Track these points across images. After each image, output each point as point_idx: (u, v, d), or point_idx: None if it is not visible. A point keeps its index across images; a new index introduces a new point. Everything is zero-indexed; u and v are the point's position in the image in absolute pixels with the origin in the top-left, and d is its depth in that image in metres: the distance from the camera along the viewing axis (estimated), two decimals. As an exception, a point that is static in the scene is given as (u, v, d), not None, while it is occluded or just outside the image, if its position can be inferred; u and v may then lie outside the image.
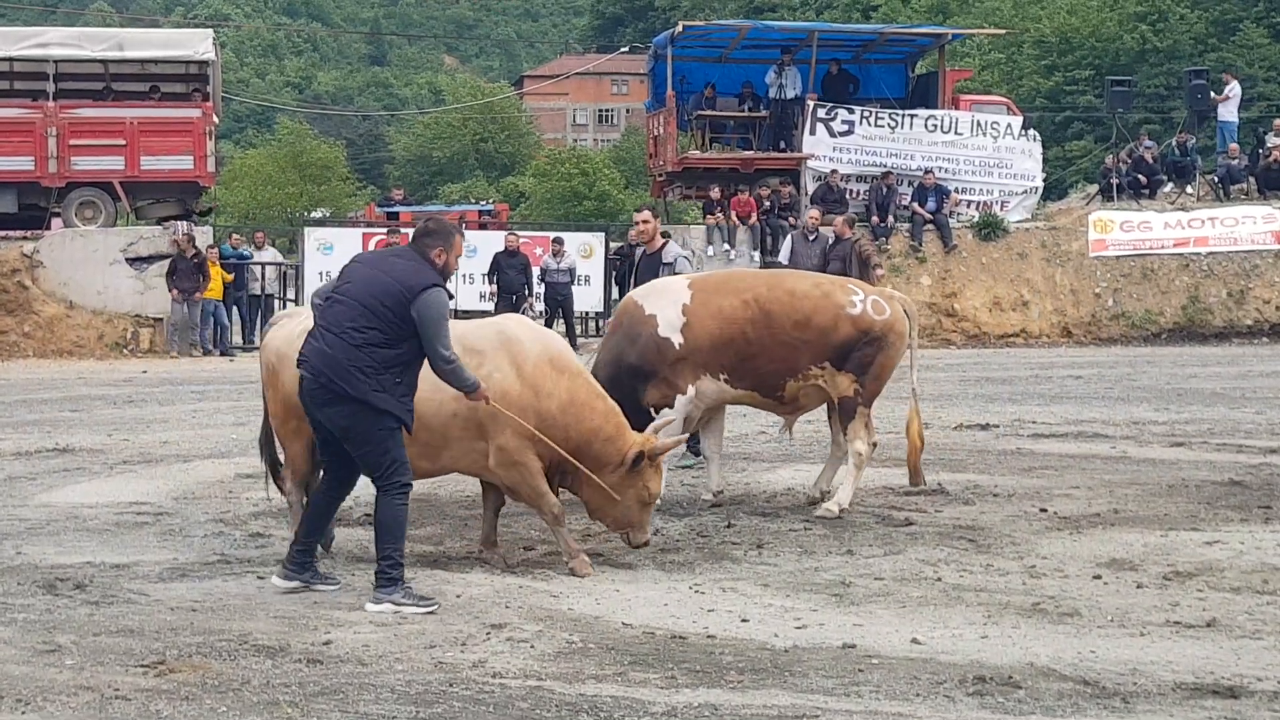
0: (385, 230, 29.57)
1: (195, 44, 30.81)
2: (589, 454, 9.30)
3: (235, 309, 30.27)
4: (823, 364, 11.44)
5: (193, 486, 12.65)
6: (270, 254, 31.56)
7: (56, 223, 29.52)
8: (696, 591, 8.67)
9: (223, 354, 28.43)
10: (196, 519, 11.05)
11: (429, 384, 8.64)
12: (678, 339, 11.36)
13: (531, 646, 7.40)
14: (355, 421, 8.33)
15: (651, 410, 11.33)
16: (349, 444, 8.44)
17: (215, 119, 30.84)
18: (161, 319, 28.78)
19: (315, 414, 8.51)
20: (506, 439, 9.14)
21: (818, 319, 11.48)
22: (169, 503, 11.82)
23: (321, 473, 9.13)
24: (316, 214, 67.20)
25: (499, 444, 9.16)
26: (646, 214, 13.99)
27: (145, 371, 25.12)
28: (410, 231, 28.22)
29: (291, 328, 9.48)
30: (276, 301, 30.52)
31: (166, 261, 28.53)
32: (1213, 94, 35.08)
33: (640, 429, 10.09)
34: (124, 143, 29.15)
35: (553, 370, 9.33)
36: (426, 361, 8.46)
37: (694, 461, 13.24)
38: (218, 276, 28.75)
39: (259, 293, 30.67)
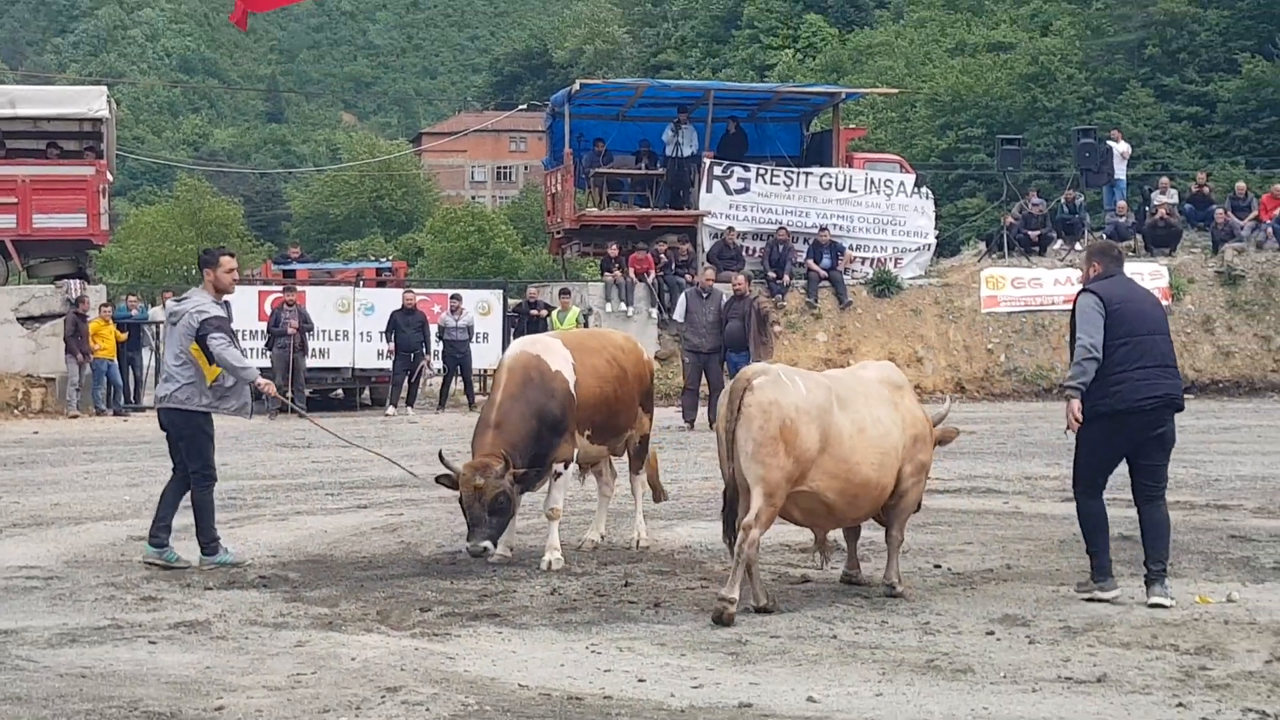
0: (281, 288, 29.38)
1: (89, 101, 30.57)
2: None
3: (130, 368, 30.00)
4: (639, 409, 12.43)
5: (84, 549, 12.47)
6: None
7: (-53, 282, 29.15)
8: (593, 651, 8.66)
9: (116, 413, 28.13)
10: (87, 583, 10.89)
11: (887, 425, 9.99)
12: (577, 396, 11.51)
13: (427, 709, 7.35)
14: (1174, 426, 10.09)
15: (559, 466, 11.47)
16: (1166, 452, 10.09)
17: (109, 177, 30.58)
18: (54, 379, 28.45)
19: (1153, 432, 9.93)
20: (927, 456, 10.49)
21: (646, 370, 12.63)
22: (59, 566, 11.65)
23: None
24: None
25: (922, 460, 10.40)
26: None
27: (37, 432, 24.79)
28: (307, 289, 27.85)
29: (796, 390, 9.67)
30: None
31: (61, 321, 28.23)
32: (1109, 144, 35.63)
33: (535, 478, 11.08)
34: (16, 200, 28.83)
35: (907, 399, 10.46)
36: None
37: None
38: (111, 336, 28.46)
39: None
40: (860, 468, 9.75)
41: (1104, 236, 34.49)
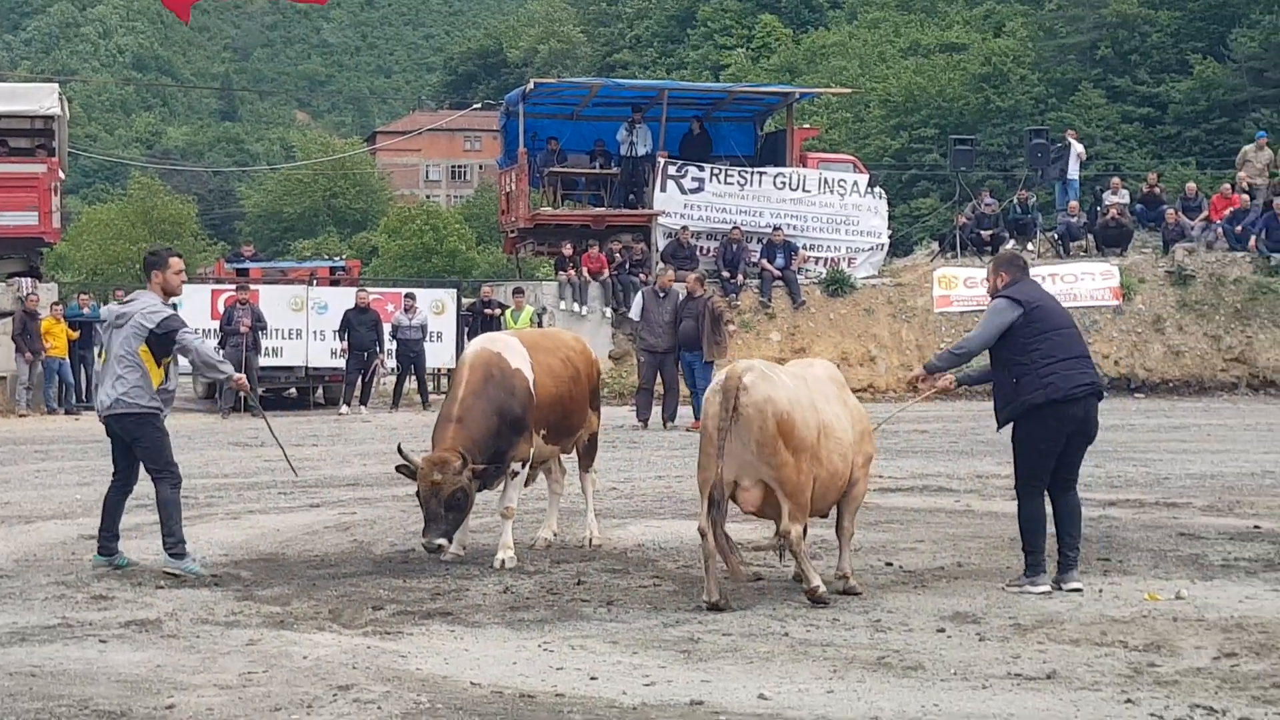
0: (234, 287, 29.27)
1: (41, 98, 30.40)
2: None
3: (82, 367, 29.82)
4: (589, 409, 12.53)
5: (34, 548, 12.41)
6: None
7: (-104, 280, 28.96)
8: (545, 649, 8.66)
9: (68, 412, 27.98)
10: (38, 581, 10.83)
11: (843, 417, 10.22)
12: (535, 395, 11.53)
13: (378, 708, 7.34)
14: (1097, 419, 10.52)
15: (515, 465, 11.48)
16: (1088, 444, 10.54)
17: (61, 174, 30.40)
18: (5, 377, 28.28)
19: (1085, 426, 10.37)
20: (871, 448, 10.61)
21: (595, 370, 12.70)
22: (9, 564, 11.58)
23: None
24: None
25: (868, 452, 10.53)
26: None
27: (-13, 431, 24.67)
28: (261, 288, 27.68)
29: (783, 383, 9.88)
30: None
31: (8, 320, 28.06)
32: (1068, 140, 35.88)
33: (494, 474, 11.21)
34: (-34, 198, 28.67)
35: (850, 396, 10.70)
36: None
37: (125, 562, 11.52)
38: (62, 334, 28.30)
39: None
40: (832, 457, 9.98)
41: (1056, 236, 34.71)
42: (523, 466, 11.70)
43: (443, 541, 10.89)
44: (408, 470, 11.08)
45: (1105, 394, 10.79)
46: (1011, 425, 10.47)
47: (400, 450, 11.22)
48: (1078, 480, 10.68)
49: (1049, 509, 10.52)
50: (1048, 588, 10.28)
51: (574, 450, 12.62)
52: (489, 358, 11.55)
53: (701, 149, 33.92)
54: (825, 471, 9.94)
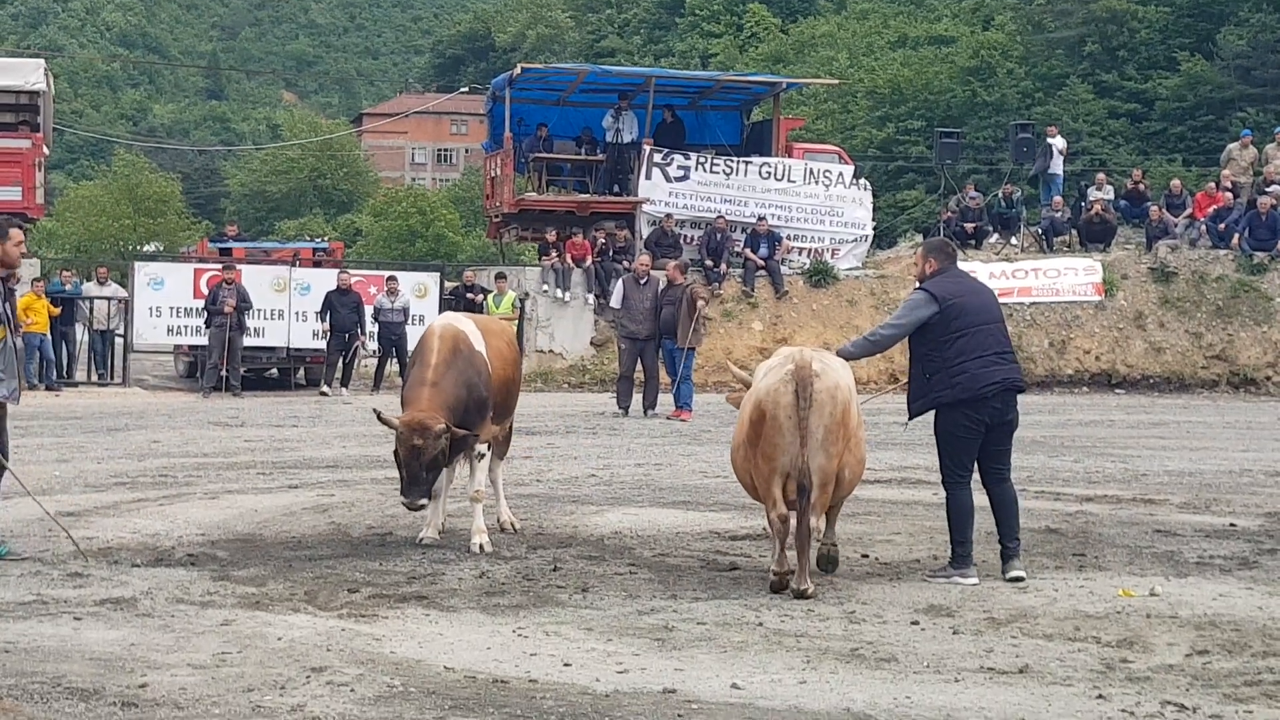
0: (219, 266, 29.23)
1: (26, 73, 30.31)
2: None
3: (64, 343, 29.71)
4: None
5: (11, 524, 12.35)
6: (113, 289, 30.92)
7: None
8: (520, 635, 8.66)
9: (48, 389, 27.88)
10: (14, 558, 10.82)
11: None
12: (491, 377, 11.64)
13: (352, 690, 7.35)
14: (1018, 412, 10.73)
15: (480, 447, 11.51)
16: (1011, 435, 10.67)
17: (46, 150, 30.31)
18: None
19: (1004, 417, 10.50)
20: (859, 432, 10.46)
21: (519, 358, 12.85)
22: (-14, 541, 11.54)
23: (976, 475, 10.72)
24: (149, 248, 66.26)
25: (861, 436, 10.45)
26: None
27: (-34, 406, 24.53)
28: (243, 268, 27.65)
29: (841, 369, 10.18)
30: (118, 338, 29.99)
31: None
32: (1049, 143, 35.92)
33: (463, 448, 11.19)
34: (-52, 172, 28.61)
35: None
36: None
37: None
38: (44, 310, 28.21)
39: (104, 328, 30.10)
40: (863, 445, 10.56)
41: (1039, 230, 34.77)
42: (488, 449, 11.78)
43: (425, 501, 11.14)
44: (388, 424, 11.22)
45: (1025, 387, 11.08)
46: (932, 415, 10.72)
47: (378, 413, 11.46)
48: (1009, 471, 10.79)
49: (984, 501, 10.65)
50: (976, 580, 10.36)
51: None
52: (456, 333, 11.64)
53: (675, 137, 33.90)
54: (854, 459, 10.22)
